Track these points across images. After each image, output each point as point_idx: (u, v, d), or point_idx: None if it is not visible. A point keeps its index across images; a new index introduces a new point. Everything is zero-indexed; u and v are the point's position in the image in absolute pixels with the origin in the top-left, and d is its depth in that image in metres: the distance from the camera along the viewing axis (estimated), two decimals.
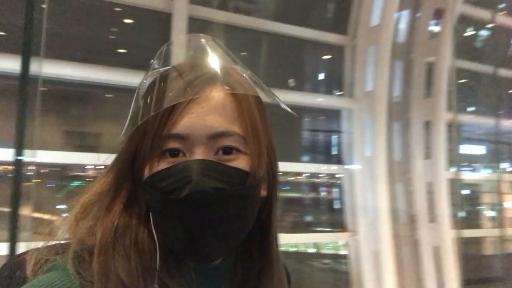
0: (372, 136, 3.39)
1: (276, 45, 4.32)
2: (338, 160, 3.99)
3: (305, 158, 4.42)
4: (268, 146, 0.52)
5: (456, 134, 3.77)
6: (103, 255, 0.46)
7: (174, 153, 0.48)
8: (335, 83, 4.02)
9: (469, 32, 4.07)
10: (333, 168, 3.98)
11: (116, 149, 0.54)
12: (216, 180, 0.46)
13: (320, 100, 4.10)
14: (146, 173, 0.49)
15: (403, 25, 3.76)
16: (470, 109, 4.38)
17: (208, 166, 0.46)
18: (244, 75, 0.52)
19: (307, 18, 3.96)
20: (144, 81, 0.52)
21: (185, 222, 0.46)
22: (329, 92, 4.18)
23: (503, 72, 4.03)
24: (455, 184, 3.79)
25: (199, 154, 0.47)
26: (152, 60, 0.53)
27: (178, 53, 0.57)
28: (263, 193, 0.52)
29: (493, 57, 4.04)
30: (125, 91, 2.95)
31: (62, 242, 0.49)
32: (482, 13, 3.86)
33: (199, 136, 0.47)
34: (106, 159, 0.57)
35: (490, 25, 4.02)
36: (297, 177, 4.32)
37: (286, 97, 3.14)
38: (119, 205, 0.50)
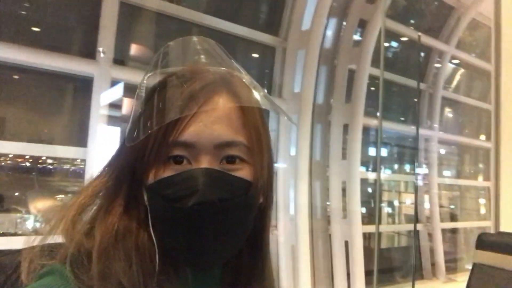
0: (298, 136, 3.53)
1: (206, 36, 4.25)
2: None
3: None
4: (269, 156, 0.54)
5: (376, 137, 4.08)
6: (103, 259, 0.45)
7: (180, 160, 0.48)
8: (264, 82, 4.10)
9: (388, 44, 4.41)
10: None
11: None
12: (222, 190, 0.46)
13: None
14: (151, 178, 0.48)
15: (330, 32, 3.95)
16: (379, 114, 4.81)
17: (214, 175, 0.47)
18: (246, 81, 0.52)
19: (240, 15, 3.96)
20: (145, 81, 0.51)
21: (188, 231, 0.46)
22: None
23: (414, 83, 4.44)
24: (364, 183, 4.14)
25: (205, 162, 0.47)
26: (152, 60, 0.52)
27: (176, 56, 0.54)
28: (260, 199, 0.53)
29: (405, 69, 4.43)
30: (35, 73, 2.68)
31: (56, 243, 0.48)
32: (404, 29, 4.19)
33: (205, 144, 0.47)
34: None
35: (404, 39, 4.38)
36: None
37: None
38: (119, 208, 0.49)
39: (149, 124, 0.47)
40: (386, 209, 5.23)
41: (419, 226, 4.48)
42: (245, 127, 0.50)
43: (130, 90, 2.63)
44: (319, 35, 3.64)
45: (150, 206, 0.49)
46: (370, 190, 5.14)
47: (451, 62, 4.58)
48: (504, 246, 1.88)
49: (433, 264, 4.37)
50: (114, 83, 2.59)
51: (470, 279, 1.91)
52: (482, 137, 4.87)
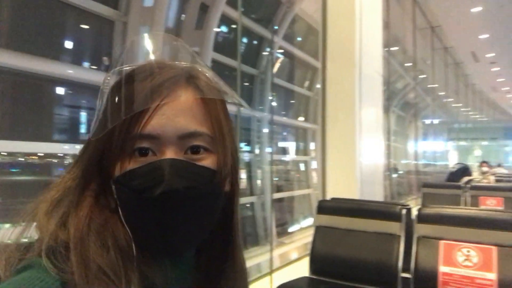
0: None
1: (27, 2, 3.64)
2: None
3: (61, 137, 3.98)
4: (232, 145, 0.56)
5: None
6: (80, 247, 0.45)
7: (145, 152, 0.49)
8: (100, 56, 3.77)
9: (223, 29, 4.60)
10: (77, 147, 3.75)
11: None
12: (187, 179, 0.48)
13: (83, 74, 3.77)
14: (117, 171, 0.49)
15: (172, 12, 3.90)
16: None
17: (179, 166, 0.48)
18: (208, 75, 0.54)
19: None
20: (108, 78, 0.52)
21: (157, 220, 0.48)
22: (95, 65, 3.89)
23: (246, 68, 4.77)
24: None
25: (170, 153, 0.49)
26: (115, 58, 0.55)
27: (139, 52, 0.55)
28: (227, 188, 0.56)
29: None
30: None
31: (31, 241, 0.47)
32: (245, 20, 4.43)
33: (169, 136, 0.49)
34: None
35: (235, 26, 4.65)
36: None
37: (34, 65, 2.75)
38: (90, 201, 0.50)
39: (112, 117, 0.48)
40: None
41: (254, 198, 4.95)
42: (208, 119, 0.52)
43: None
44: (162, 12, 3.57)
45: (118, 198, 0.50)
46: None
47: (278, 52, 5.11)
48: (338, 209, 2.29)
49: (265, 231, 4.91)
50: None
51: (314, 239, 2.26)
52: (301, 118, 5.65)
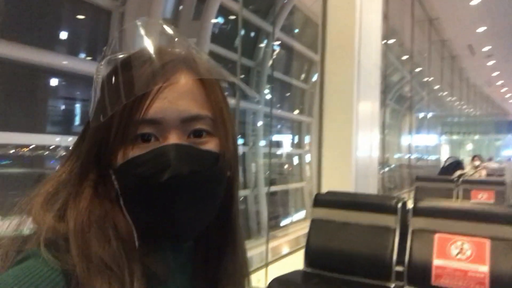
0: None
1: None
2: None
3: (55, 129, 3.94)
4: (232, 128, 0.56)
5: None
6: (80, 240, 0.45)
7: (148, 138, 0.48)
8: (97, 46, 3.73)
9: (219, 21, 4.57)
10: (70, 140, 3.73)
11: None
12: (192, 163, 0.48)
13: (79, 64, 3.73)
14: (119, 159, 0.49)
15: (170, 2, 3.87)
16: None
17: (184, 150, 0.48)
18: (204, 59, 0.54)
19: None
20: (101, 67, 0.51)
21: (164, 206, 0.48)
22: (91, 55, 3.85)
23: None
24: None
25: (174, 138, 0.48)
26: (106, 46, 0.52)
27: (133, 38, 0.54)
28: (228, 173, 0.55)
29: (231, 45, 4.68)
30: None
31: (28, 235, 0.46)
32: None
33: (172, 120, 0.48)
34: None
35: (233, 17, 4.62)
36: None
37: (28, 55, 2.72)
38: (88, 192, 0.49)
39: (114, 103, 0.47)
40: None
41: (247, 192, 4.96)
42: (208, 101, 0.52)
43: None
44: (159, 3, 3.53)
45: (121, 187, 0.49)
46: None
47: (275, 44, 5.08)
48: (334, 202, 2.31)
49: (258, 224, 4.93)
50: None
51: (309, 232, 2.28)
52: (296, 111, 5.65)
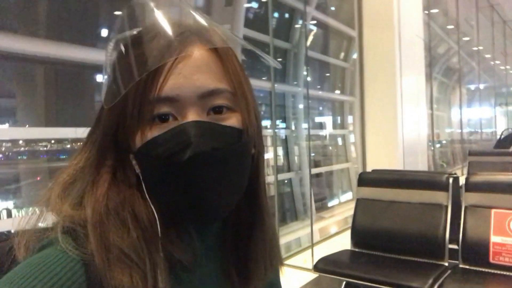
0: None
1: None
2: None
3: None
4: (254, 102, 0.53)
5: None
6: (99, 229, 0.43)
7: (165, 118, 0.46)
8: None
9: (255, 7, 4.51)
10: None
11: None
12: (214, 141, 0.46)
13: None
14: (137, 142, 0.47)
15: None
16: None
17: (204, 127, 0.46)
18: (219, 29, 0.50)
19: None
20: (111, 45, 0.49)
21: (188, 185, 0.46)
22: None
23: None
24: None
25: (192, 115, 0.46)
26: (115, 24, 0.50)
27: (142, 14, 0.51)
28: (252, 149, 0.52)
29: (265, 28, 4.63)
30: None
31: (48, 226, 0.46)
32: None
33: (189, 96, 0.46)
34: None
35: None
36: None
37: (73, 53, 2.81)
38: (106, 179, 0.47)
39: (126, 80, 0.45)
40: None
41: (292, 174, 4.94)
42: (226, 74, 0.49)
43: None
44: None
45: (142, 170, 0.48)
46: None
47: (311, 23, 4.96)
48: (378, 181, 2.23)
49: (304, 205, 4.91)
50: None
51: (355, 212, 2.23)
52: (337, 91, 5.51)
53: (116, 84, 0.45)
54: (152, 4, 0.49)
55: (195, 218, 0.48)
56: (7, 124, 2.72)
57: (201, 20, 0.50)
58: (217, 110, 0.48)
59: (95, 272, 0.41)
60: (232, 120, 0.49)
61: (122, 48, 0.47)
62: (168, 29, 0.47)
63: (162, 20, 0.48)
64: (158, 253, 0.44)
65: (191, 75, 0.46)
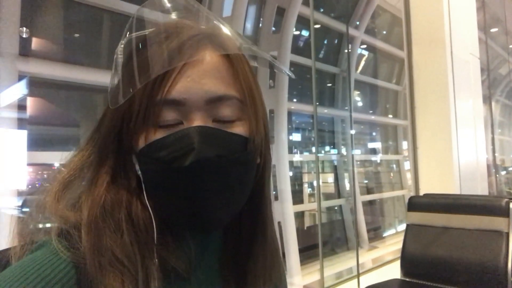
0: None
1: (119, 24, 4.02)
2: None
3: None
4: (263, 112, 0.52)
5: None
6: (93, 232, 0.42)
7: (170, 120, 0.45)
8: None
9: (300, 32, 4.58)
10: None
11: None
12: (218, 147, 0.44)
13: None
14: (141, 143, 0.45)
15: (249, 20, 3.99)
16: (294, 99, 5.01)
17: (209, 133, 0.44)
18: (231, 33, 0.49)
19: None
20: (122, 46, 0.48)
21: (188, 191, 0.44)
22: None
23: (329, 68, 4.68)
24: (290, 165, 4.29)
25: (198, 121, 0.45)
26: (127, 25, 0.49)
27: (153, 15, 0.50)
28: (258, 159, 0.51)
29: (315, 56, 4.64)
30: None
31: (45, 226, 0.45)
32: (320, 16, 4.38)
33: (196, 101, 0.45)
34: None
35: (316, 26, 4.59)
36: None
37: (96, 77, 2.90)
38: (106, 179, 0.46)
39: (133, 81, 0.44)
40: (308, 189, 5.53)
41: (342, 201, 4.79)
42: (236, 81, 0.48)
43: (37, 85, 2.37)
44: (240, 22, 3.66)
45: (143, 172, 0.46)
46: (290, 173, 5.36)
47: (360, 47, 4.92)
48: (430, 206, 2.10)
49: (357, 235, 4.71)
50: (20, 78, 2.32)
51: (405, 239, 2.10)
52: (390, 115, 5.35)
53: (124, 84, 0.45)
54: (165, 6, 0.49)
55: (193, 225, 0.47)
56: (72, 152, 2.91)
57: (215, 24, 0.49)
58: (224, 117, 0.47)
59: (86, 275, 0.40)
60: (239, 128, 0.47)
61: (134, 49, 0.46)
62: (179, 31, 0.46)
63: (175, 22, 0.48)
64: (152, 259, 0.43)
65: (200, 79, 0.45)
